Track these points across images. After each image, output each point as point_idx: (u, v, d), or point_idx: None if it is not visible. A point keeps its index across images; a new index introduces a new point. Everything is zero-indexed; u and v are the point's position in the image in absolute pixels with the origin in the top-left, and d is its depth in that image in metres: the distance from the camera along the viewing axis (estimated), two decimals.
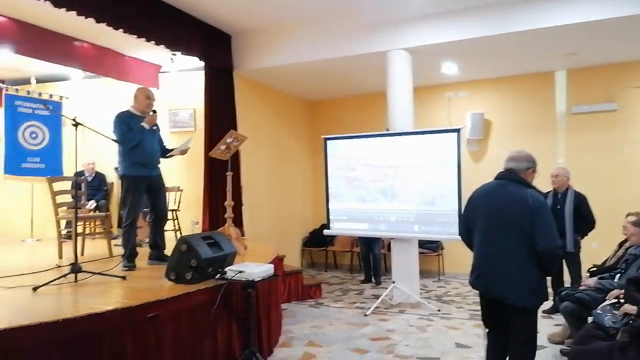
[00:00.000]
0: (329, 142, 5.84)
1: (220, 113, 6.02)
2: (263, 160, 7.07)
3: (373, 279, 6.82)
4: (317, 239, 8.01)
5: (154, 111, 4.13)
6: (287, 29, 5.98)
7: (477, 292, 2.99)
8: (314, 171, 8.46)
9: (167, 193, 6.28)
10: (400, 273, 5.44)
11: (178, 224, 6.19)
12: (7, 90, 6.42)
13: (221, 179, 5.82)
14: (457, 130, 5.11)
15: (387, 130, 5.58)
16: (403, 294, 5.37)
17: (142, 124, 4.01)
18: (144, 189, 4.08)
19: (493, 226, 2.75)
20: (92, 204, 6.39)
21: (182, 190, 6.37)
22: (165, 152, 4.35)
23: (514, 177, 2.79)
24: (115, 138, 3.99)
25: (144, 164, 4.04)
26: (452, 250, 7.14)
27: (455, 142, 5.08)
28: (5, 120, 6.34)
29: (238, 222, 5.68)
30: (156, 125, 4.21)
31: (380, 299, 5.32)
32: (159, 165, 4.29)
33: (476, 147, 7.16)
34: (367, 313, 5.08)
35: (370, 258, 6.81)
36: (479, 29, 5.15)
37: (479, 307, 3.05)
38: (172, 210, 6.16)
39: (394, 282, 5.37)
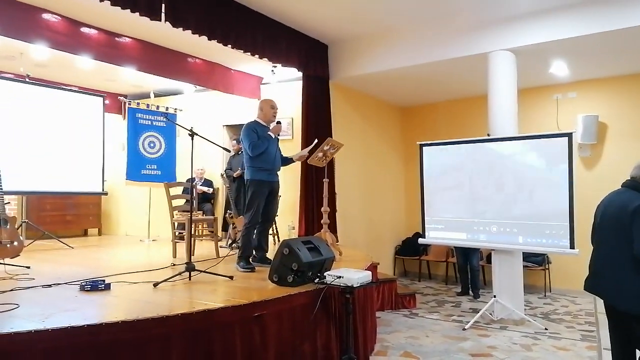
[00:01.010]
0: (424, 148, 5.73)
1: (316, 121, 6.19)
2: (356, 167, 7.13)
3: (470, 292, 6.53)
4: (411, 248, 7.87)
5: (279, 122, 4.42)
6: (383, 36, 5.99)
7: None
8: (406, 178, 8.34)
9: None
10: (502, 287, 5.15)
11: (276, 228, 6.44)
12: (130, 104, 7.18)
13: (316, 186, 5.99)
14: (569, 135, 4.73)
15: (488, 135, 5.33)
16: (505, 309, 5.07)
17: (269, 132, 4.29)
18: (266, 193, 4.30)
19: (604, 232, 2.85)
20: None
21: (280, 197, 6.62)
22: (285, 161, 4.57)
23: (633, 185, 2.80)
24: (243, 146, 4.29)
25: (268, 169, 4.29)
26: (561, 264, 6.61)
27: (565, 148, 4.70)
28: (128, 131, 7.09)
29: (332, 228, 5.79)
30: (277, 135, 4.48)
31: (480, 313, 5.07)
32: (279, 173, 4.51)
33: (589, 153, 6.58)
34: (466, 327, 4.88)
35: (467, 269, 6.54)
36: (592, 25, 4.74)
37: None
38: None
39: (495, 296, 5.09)
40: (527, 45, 5.14)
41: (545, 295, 6.56)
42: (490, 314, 5.14)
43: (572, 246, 4.62)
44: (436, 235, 5.61)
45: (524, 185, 4.96)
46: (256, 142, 4.17)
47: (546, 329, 4.84)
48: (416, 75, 6.32)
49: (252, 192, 4.21)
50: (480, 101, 6.59)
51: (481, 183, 5.23)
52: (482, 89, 5.62)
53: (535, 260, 6.57)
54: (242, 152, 7.11)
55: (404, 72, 6.16)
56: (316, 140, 4.79)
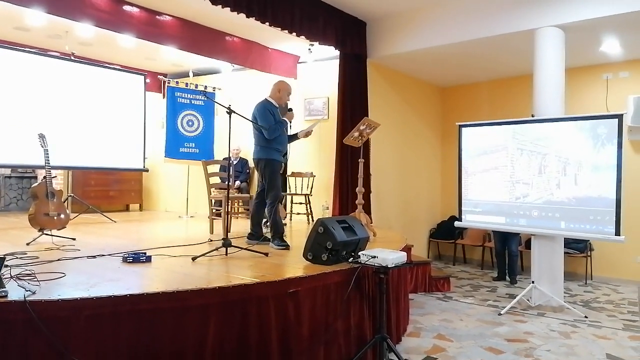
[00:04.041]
0: (463, 129, 5.57)
1: (352, 101, 6.12)
2: (392, 148, 7.03)
3: (507, 277, 6.40)
4: (446, 231, 7.76)
5: (291, 109, 4.55)
6: (423, 12, 5.82)
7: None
8: (443, 160, 8.18)
9: (301, 178, 6.66)
10: (541, 273, 5.01)
11: (310, 208, 6.47)
12: (169, 82, 7.31)
13: (351, 166, 5.96)
14: (619, 117, 4.49)
15: (533, 116, 5.13)
16: (543, 296, 4.94)
17: (284, 118, 4.38)
18: (279, 171, 4.42)
19: None
20: (237, 184, 7.03)
21: (314, 176, 6.64)
22: (291, 138, 4.66)
23: None
24: (255, 125, 4.30)
25: (280, 150, 4.39)
26: (603, 251, 6.37)
27: (615, 130, 4.47)
28: (167, 109, 7.23)
29: (367, 208, 5.75)
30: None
31: (517, 298, 4.96)
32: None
33: None
34: (502, 312, 4.79)
35: (505, 254, 6.40)
36: None
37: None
38: (305, 195, 6.47)
39: (533, 282, 4.97)
40: (577, 21, 4.87)
41: (586, 283, 6.36)
42: (528, 300, 5.03)
43: (617, 233, 4.43)
44: (473, 218, 5.50)
45: (568, 168, 4.76)
46: (274, 125, 4.24)
47: (586, 317, 4.69)
48: (457, 53, 6.12)
49: (272, 172, 4.29)
50: (523, 81, 6.35)
51: (523, 165, 5.06)
52: (527, 68, 5.39)
53: (577, 247, 6.35)
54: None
55: (445, 51, 5.98)
56: (316, 122, 5.02)
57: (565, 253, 5.33)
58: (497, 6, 5.29)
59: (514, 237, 6.28)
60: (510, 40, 5.47)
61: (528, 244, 6.05)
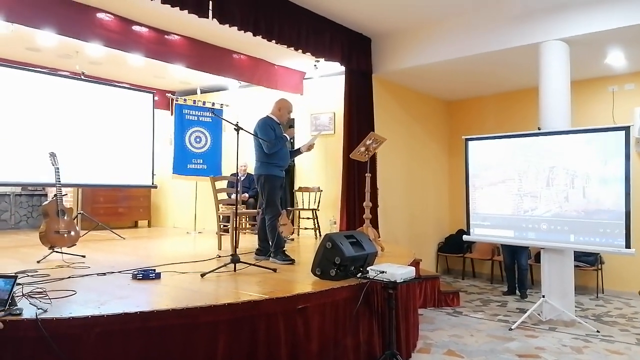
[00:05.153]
0: (470, 142, 5.58)
1: (358, 116, 6.16)
2: (398, 162, 7.05)
3: (517, 291, 6.33)
4: (454, 245, 7.72)
5: (292, 126, 4.57)
6: (427, 28, 5.88)
7: None
8: (450, 173, 8.17)
9: (308, 193, 6.68)
10: (551, 287, 4.96)
11: (317, 223, 6.48)
12: (177, 100, 7.40)
13: (358, 180, 5.97)
14: (626, 129, 4.48)
15: (539, 129, 5.13)
16: (554, 310, 4.88)
17: (285, 134, 4.44)
18: (279, 186, 4.47)
19: None
20: (246, 195, 7.03)
21: (321, 191, 6.66)
22: (294, 153, 4.74)
23: None
24: (256, 140, 4.38)
25: (280, 166, 4.44)
26: (614, 265, 6.30)
27: (622, 142, 4.46)
28: (175, 126, 7.31)
29: (374, 223, 5.75)
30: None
31: (527, 313, 4.91)
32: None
33: None
34: (513, 327, 4.73)
35: (514, 268, 6.34)
36: None
37: None
38: (312, 210, 6.48)
39: (543, 297, 4.92)
40: (582, 34, 4.90)
41: (597, 297, 6.27)
42: (539, 315, 4.97)
43: (627, 245, 4.39)
44: (482, 232, 5.47)
45: (576, 181, 4.74)
46: (274, 141, 4.29)
47: (598, 331, 4.63)
48: (463, 67, 6.16)
49: (271, 187, 4.35)
50: (529, 94, 6.36)
51: (531, 179, 5.05)
52: (532, 81, 5.41)
53: (587, 260, 6.28)
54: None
55: (450, 65, 6.02)
56: (317, 134, 5.39)
57: (575, 266, 5.27)
58: (501, 21, 5.33)
59: (523, 251, 6.23)
60: (515, 54, 5.50)
61: (537, 258, 5.99)
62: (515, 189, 5.16)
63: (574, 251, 5.15)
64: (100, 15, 4.98)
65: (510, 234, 5.23)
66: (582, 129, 4.85)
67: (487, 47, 5.45)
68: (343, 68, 6.15)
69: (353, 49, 6.03)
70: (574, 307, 5.13)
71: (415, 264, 4.84)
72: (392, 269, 3.19)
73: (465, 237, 5.67)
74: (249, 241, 5.68)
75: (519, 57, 5.61)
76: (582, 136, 4.76)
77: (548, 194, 4.93)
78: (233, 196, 5.37)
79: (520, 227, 5.13)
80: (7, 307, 2.30)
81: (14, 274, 2.62)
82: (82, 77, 6.43)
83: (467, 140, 5.59)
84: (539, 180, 4.99)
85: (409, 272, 3.23)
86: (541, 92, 5.17)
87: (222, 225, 5.63)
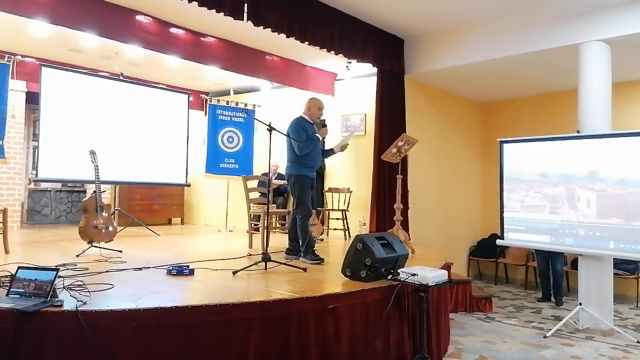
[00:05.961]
0: (505, 145, 5.46)
1: (389, 117, 6.12)
2: (430, 164, 6.96)
3: (552, 298, 6.15)
4: (487, 249, 7.57)
5: (325, 125, 4.60)
6: (462, 29, 5.79)
7: None
8: (483, 176, 8.01)
9: (338, 194, 6.68)
10: (589, 295, 4.79)
11: (347, 224, 6.47)
12: (211, 100, 7.54)
13: (389, 182, 5.93)
14: None
15: (578, 132, 4.97)
16: (592, 319, 4.72)
17: (317, 134, 4.43)
18: (309, 186, 4.49)
19: None
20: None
21: (351, 192, 6.65)
22: (327, 153, 4.73)
23: None
24: (288, 141, 4.41)
25: (311, 167, 4.47)
26: None
27: None
28: (208, 126, 7.45)
29: (404, 225, 5.70)
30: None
31: (563, 320, 4.76)
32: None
33: None
34: (548, 335, 4.60)
35: (549, 275, 6.16)
36: None
37: None
38: (342, 211, 6.48)
39: (580, 304, 4.76)
40: (623, 35, 4.72)
41: (637, 306, 6.03)
42: (575, 323, 4.81)
43: None
44: (516, 237, 5.34)
45: (616, 186, 4.57)
46: (305, 142, 4.30)
47: (638, 341, 4.44)
48: (499, 69, 6.04)
49: (301, 187, 4.37)
50: (567, 96, 6.18)
51: (569, 183, 4.90)
52: (571, 83, 5.25)
53: (627, 268, 6.05)
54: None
55: (486, 66, 5.91)
56: (350, 134, 5.40)
57: (614, 274, 5.09)
58: (540, 21, 5.20)
59: (559, 256, 6.05)
60: (554, 56, 5.35)
61: (574, 264, 5.81)
62: (551, 194, 5.02)
63: (614, 258, 4.96)
64: (139, 17, 5.13)
65: (546, 239, 5.08)
66: (623, 133, 4.67)
67: (524, 48, 5.32)
68: (375, 69, 6.13)
69: (385, 50, 6.00)
70: (613, 316, 4.94)
71: (447, 267, 4.76)
72: (424, 271, 3.16)
73: (498, 242, 5.55)
74: (279, 240, 5.73)
75: (557, 59, 5.45)
76: (623, 140, 4.59)
77: (588, 200, 4.77)
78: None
79: (556, 233, 4.98)
80: (49, 298, 2.40)
81: (55, 267, 2.73)
82: (121, 77, 6.64)
83: (502, 142, 5.47)
84: (578, 184, 4.83)
85: (441, 275, 3.20)
86: (580, 94, 5.01)
87: (253, 224, 5.69)
